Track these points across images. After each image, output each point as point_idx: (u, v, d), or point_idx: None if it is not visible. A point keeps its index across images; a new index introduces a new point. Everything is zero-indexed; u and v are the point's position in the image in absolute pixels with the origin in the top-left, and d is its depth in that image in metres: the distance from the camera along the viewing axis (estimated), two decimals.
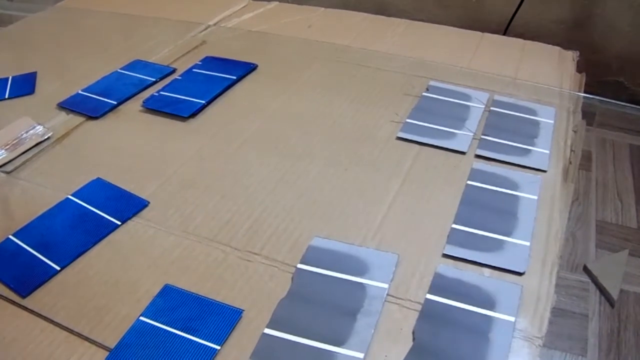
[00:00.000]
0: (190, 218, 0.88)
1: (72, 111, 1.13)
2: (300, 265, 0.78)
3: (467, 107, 1.10)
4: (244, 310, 0.73)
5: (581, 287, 1.18)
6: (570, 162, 0.99)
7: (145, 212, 0.89)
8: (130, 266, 0.80)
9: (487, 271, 0.78)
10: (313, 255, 0.80)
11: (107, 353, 0.69)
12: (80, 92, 1.18)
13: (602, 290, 1.17)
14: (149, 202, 0.91)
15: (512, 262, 0.79)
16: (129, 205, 0.90)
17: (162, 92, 1.17)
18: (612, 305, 1.14)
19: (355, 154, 1.00)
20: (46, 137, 1.06)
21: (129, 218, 0.88)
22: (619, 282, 1.17)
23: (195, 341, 0.69)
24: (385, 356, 0.68)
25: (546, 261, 0.80)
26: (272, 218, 0.87)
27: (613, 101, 1.74)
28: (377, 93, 1.16)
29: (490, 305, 0.73)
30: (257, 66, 1.26)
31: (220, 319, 0.72)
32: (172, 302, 0.74)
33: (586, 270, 1.21)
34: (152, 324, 0.72)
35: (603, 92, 1.77)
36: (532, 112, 1.10)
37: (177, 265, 0.80)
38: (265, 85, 1.20)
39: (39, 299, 0.76)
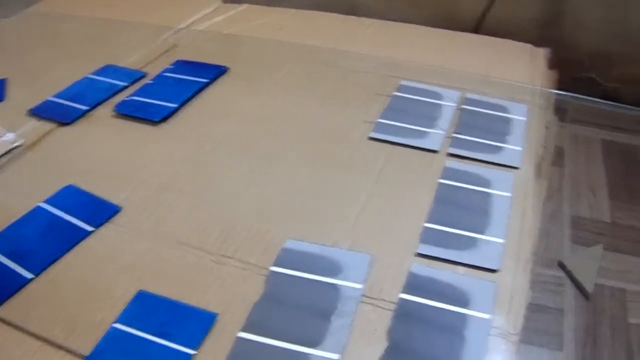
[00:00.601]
0: (163, 222, 0.87)
1: (43, 118, 1.12)
2: (273, 268, 0.78)
3: (439, 105, 1.11)
4: (218, 314, 0.73)
5: (556, 283, 1.19)
6: (542, 159, 1.00)
7: (118, 218, 0.89)
8: (103, 272, 0.80)
9: (461, 269, 0.78)
10: (286, 258, 0.80)
11: None
12: (51, 98, 1.17)
13: (578, 285, 1.17)
14: (121, 208, 0.90)
15: (486, 260, 0.79)
16: (101, 211, 0.89)
17: (133, 97, 1.16)
18: (587, 299, 1.15)
19: (327, 154, 1.00)
20: (17, 144, 1.05)
21: (102, 224, 0.87)
22: (593, 276, 1.18)
23: (170, 346, 0.69)
24: (361, 357, 0.68)
25: (520, 258, 0.81)
26: (245, 221, 0.87)
27: (586, 97, 1.75)
28: (349, 93, 1.16)
29: (465, 303, 0.73)
30: (228, 69, 1.26)
31: (194, 324, 0.72)
32: (146, 307, 0.74)
33: (561, 265, 1.22)
34: (126, 331, 0.71)
35: (576, 89, 1.78)
36: (504, 109, 1.10)
37: (151, 270, 0.80)
38: (236, 88, 1.20)
39: (12, 308, 0.75)
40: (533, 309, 1.13)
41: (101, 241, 0.85)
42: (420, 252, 0.81)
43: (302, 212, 0.88)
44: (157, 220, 0.88)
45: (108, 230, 0.86)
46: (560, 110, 1.30)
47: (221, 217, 0.88)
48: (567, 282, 1.19)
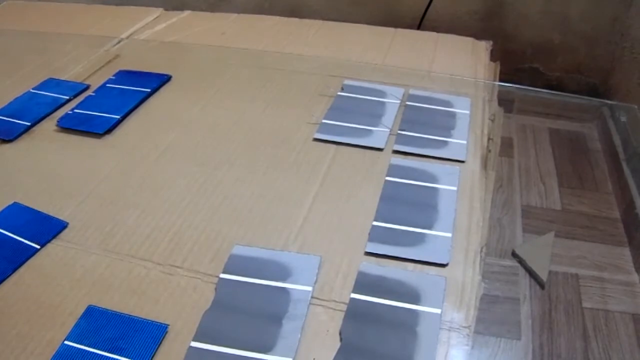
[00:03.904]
0: (110, 235, 0.86)
1: None
2: (223, 275, 0.78)
3: (383, 103, 1.11)
4: (169, 325, 0.72)
5: (511, 272, 1.20)
6: (489, 151, 1.00)
7: (64, 234, 0.87)
8: (52, 290, 0.78)
9: (410, 265, 0.78)
10: (235, 264, 0.79)
11: None
12: None
13: (532, 273, 1.19)
14: (68, 223, 0.88)
15: (435, 255, 0.79)
16: (47, 228, 0.88)
17: (76, 110, 1.14)
18: (542, 287, 1.16)
19: (273, 158, 0.99)
20: None
21: (49, 241, 0.86)
22: (547, 264, 1.20)
23: None
24: (314, 359, 0.68)
25: (469, 251, 0.81)
26: (193, 229, 0.86)
27: (530, 88, 1.77)
28: (293, 95, 1.16)
29: (416, 300, 0.73)
30: (171, 77, 1.25)
31: (145, 336, 0.71)
32: (97, 322, 0.73)
33: (514, 255, 1.23)
34: (77, 347, 0.70)
35: (520, 79, 1.80)
36: (448, 103, 1.11)
37: (100, 284, 0.78)
38: (180, 96, 1.19)
39: None
40: (489, 299, 1.14)
41: (49, 258, 0.83)
42: (369, 250, 0.80)
43: (249, 217, 0.88)
44: (105, 234, 0.86)
45: (55, 247, 0.85)
46: (507, 102, 1.31)
47: (169, 227, 0.87)
48: (522, 271, 1.20)
